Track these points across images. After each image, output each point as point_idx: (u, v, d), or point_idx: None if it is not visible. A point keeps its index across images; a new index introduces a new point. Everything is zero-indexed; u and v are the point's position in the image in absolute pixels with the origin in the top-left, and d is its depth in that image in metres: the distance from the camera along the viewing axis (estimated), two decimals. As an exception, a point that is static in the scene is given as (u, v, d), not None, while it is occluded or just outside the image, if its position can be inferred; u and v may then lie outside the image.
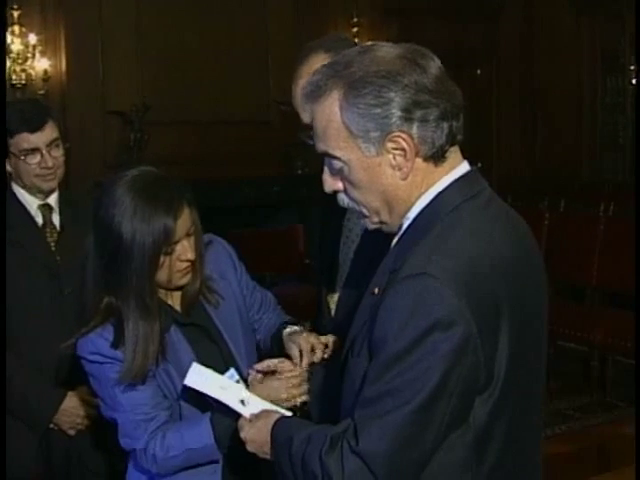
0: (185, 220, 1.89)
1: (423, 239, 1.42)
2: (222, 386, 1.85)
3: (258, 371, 1.96)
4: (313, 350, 1.99)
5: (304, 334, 2.07)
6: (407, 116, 1.40)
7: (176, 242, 1.88)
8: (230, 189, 7.07)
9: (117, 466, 2.48)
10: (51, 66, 6.79)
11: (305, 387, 1.92)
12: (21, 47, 6.60)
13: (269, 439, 1.60)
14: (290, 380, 1.92)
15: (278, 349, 2.11)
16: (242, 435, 1.70)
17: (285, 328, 2.13)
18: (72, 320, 2.49)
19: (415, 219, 1.48)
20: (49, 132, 2.55)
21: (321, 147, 1.49)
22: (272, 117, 7.68)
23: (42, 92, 6.64)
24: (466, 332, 1.33)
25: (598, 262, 5.74)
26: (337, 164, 1.48)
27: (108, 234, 1.86)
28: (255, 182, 7.45)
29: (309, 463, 1.44)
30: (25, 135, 2.51)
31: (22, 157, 2.53)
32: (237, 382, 1.91)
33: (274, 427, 1.61)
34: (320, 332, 2.13)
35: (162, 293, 1.98)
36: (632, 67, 8.12)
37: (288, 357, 2.01)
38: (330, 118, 1.45)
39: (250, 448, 1.68)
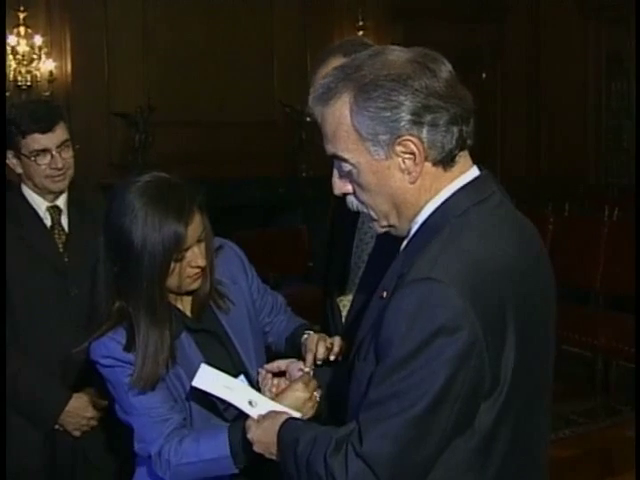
0: (196, 226, 1.88)
1: (431, 243, 1.42)
2: (230, 387, 1.84)
3: (268, 371, 1.96)
4: (317, 347, 2.00)
5: (316, 337, 2.08)
6: (417, 120, 1.40)
7: (187, 248, 1.87)
8: (234, 190, 7.08)
9: (123, 466, 2.49)
10: (56, 67, 6.81)
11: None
12: (27, 48, 6.62)
13: (276, 440, 1.60)
14: (310, 390, 1.90)
15: (293, 353, 2.12)
16: (249, 436, 1.70)
17: (303, 334, 2.13)
18: (79, 320, 2.51)
19: (423, 223, 1.48)
20: (60, 133, 2.55)
21: (330, 149, 1.49)
22: (277, 118, 7.70)
23: (47, 93, 6.66)
24: (471, 336, 1.33)
25: (602, 266, 5.74)
26: (346, 167, 1.48)
27: (119, 240, 1.85)
28: (259, 183, 7.46)
29: (314, 464, 1.44)
30: (36, 136, 2.52)
31: (32, 158, 2.53)
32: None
33: (281, 428, 1.61)
34: (329, 335, 2.14)
35: (172, 298, 1.97)
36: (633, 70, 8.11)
37: (298, 359, 2.01)
38: (340, 121, 1.45)
39: (257, 449, 1.68)
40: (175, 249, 1.84)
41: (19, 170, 2.59)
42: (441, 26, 8.21)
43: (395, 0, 8.29)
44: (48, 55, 6.75)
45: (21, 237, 2.56)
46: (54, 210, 2.64)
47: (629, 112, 8.24)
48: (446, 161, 1.45)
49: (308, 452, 1.47)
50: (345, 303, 2.38)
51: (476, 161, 1.53)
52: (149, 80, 7.22)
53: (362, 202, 1.52)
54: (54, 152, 2.54)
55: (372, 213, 1.52)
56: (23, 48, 6.61)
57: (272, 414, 1.71)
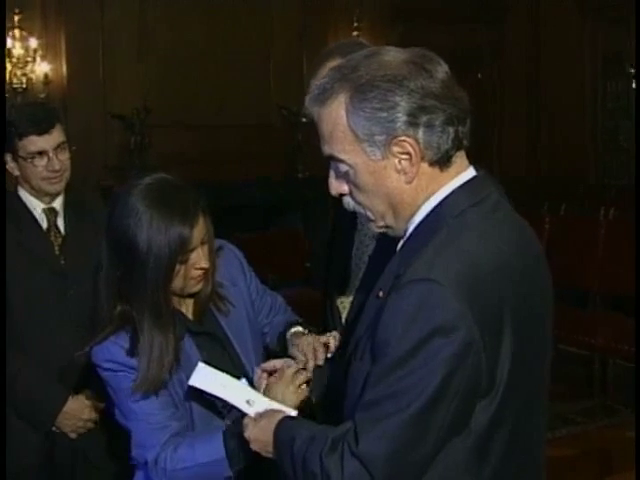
0: (200, 228, 1.87)
1: (428, 244, 1.42)
2: (227, 386, 1.84)
3: (263, 370, 1.96)
4: (316, 353, 1.99)
5: (305, 337, 2.07)
6: (413, 121, 1.40)
7: (191, 250, 1.86)
8: (232, 192, 7.07)
9: (122, 467, 2.49)
10: (52, 70, 6.81)
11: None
12: (22, 51, 6.62)
13: (272, 439, 1.60)
14: (297, 382, 1.90)
15: (281, 348, 2.12)
16: (246, 434, 1.70)
17: (290, 328, 2.12)
18: (77, 321, 2.52)
19: (420, 223, 1.48)
20: (57, 135, 2.56)
21: (327, 150, 1.49)
22: (274, 120, 7.70)
23: (43, 96, 6.66)
24: (468, 337, 1.33)
25: (600, 266, 5.74)
26: (343, 167, 1.48)
27: (123, 244, 1.84)
28: (257, 185, 7.46)
29: (309, 464, 1.44)
30: (33, 138, 2.52)
31: (29, 160, 2.54)
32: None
33: (277, 427, 1.61)
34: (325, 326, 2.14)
35: (174, 300, 1.96)
36: (632, 71, 8.12)
37: (292, 357, 2.01)
38: (336, 121, 1.45)
39: (254, 447, 1.68)
40: (181, 251, 1.83)
41: (16, 172, 2.59)
42: (439, 27, 8.20)
43: (393, 1, 8.29)
44: (43, 58, 6.75)
45: (18, 239, 2.56)
46: (50, 212, 2.64)
47: (628, 112, 8.24)
48: (442, 161, 1.45)
49: (304, 451, 1.47)
50: (345, 305, 2.39)
51: (475, 161, 1.53)
52: (146, 82, 7.22)
53: (359, 203, 1.52)
54: (51, 154, 2.54)
55: (369, 214, 1.52)
56: (18, 50, 6.61)
57: (269, 413, 1.71)
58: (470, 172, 1.50)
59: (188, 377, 1.90)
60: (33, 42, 6.65)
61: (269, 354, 2.13)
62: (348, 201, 1.56)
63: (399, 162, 1.43)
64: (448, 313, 1.33)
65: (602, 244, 5.79)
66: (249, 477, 1.93)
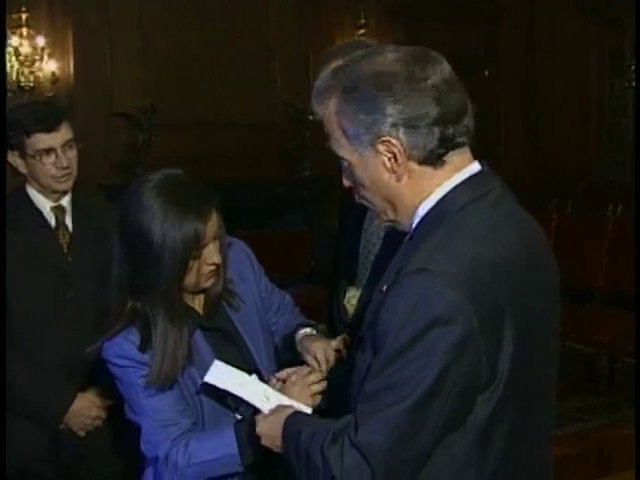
0: (213, 224, 1.88)
1: (428, 238, 1.44)
2: (243, 383, 1.85)
3: (278, 379, 1.97)
4: (328, 359, 2.01)
5: (317, 342, 2.08)
6: (395, 122, 1.43)
7: (204, 246, 1.88)
8: (235, 190, 7.07)
9: (128, 466, 2.50)
10: (59, 68, 6.81)
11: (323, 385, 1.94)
12: (29, 49, 6.62)
13: (281, 433, 1.62)
14: (311, 385, 1.92)
15: (291, 350, 2.14)
16: (257, 430, 1.72)
17: (299, 330, 2.14)
18: (76, 322, 2.52)
19: (423, 219, 1.50)
20: (64, 132, 2.56)
21: (331, 147, 1.54)
22: (277, 118, 7.69)
23: (50, 94, 6.66)
24: (466, 329, 1.34)
25: (605, 263, 5.73)
26: (344, 164, 1.53)
27: (136, 239, 1.84)
28: (260, 183, 7.45)
29: (312, 456, 1.46)
30: (41, 135, 2.53)
31: (38, 157, 2.54)
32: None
33: (286, 421, 1.63)
34: (335, 332, 2.15)
35: (185, 296, 1.97)
36: (632, 68, 8.10)
37: (304, 363, 2.03)
38: (331, 121, 1.50)
39: (264, 442, 1.70)
40: (195, 246, 1.85)
41: (24, 170, 2.60)
42: (443, 25, 8.20)
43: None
44: (50, 56, 6.75)
45: (24, 239, 2.56)
46: (58, 210, 2.64)
47: (630, 110, 8.22)
48: (431, 160, 1.47)
49: (308, 444, 1.49)
50: (353, 302, 2.39)
51: (477, 159, 1.54)
52: (151, 81, 7.22)
53: (362, 197, 1.55)
54: (59, 151, 2.55)
55: (373, 207, 1.56)
56: (26, 49, 6.61)
57: (279, 408, 1.73)
58: (473, 168, 1.52)
59: (199, 373, 1.91)
60: (40, 40, 6.65)
61: (278, 358, 2.14)
62: (356, 194, 1.60)
63: (388, 160, 1.46)
64: (446, 304, 1.34)
65: (609, 241, 5.78)
66: (259, 473, 1.94)
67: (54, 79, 6.75)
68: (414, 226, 1.51)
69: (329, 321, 2.53)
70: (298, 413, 1.68)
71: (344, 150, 1.50)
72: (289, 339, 2.16)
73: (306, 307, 2.39)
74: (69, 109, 6.38)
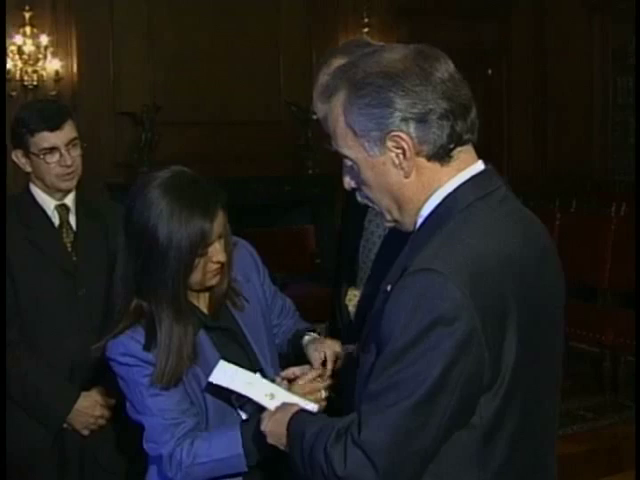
0: (219, 222, 1.88)
1: (434, 236, 1.43)
2: (248, 382, 1.85)
3: (283, 378, 1.96)
4: (337, 359, 2.01)
5: (328, 342, 2.08)
6: (405, 116, 1.43)
7: (210, 244, 1.87)
8: (241, 189, 7.08)
9: (132, 465, 2.50)
10: (62, 67, 6.81)
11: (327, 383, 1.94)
12: (33, 48, 6.62)
13: (285, 431, 1.62)
14: (316, 385, 1.92)
15: (295, 354, 2.13)
16: (262, 427, 1.72)
17: (304, 335, 2.14)
18: (87, 320, 2.53)
19: (428, 217, 1.49)
20: (68, 131, 2.56)
21: (334, 146, 1.53)
22: (283, 117, 7.69)
23: (54, 93, 6.66)
24: (469, 327, 1.34)
25: (610, 262, 5.73)
26: (348, 162, 1.52)
27: (142, 237, 1.84)
28: (266, 182, 7.46)
29: (316, 455, 1.46)
30: (45, 134, 2.53)
31: (42, 156, 2.54)
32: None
33: (291, 419, 1.62)
34: (337, 333, 2.15)
35: (190, 295, 1.96)
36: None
37: (310, 364, 2.03)
38: (337, 118, 1.49)
39: (270, 440, 1.70)
40: (201, 244, 1.84)
41: (28, 169, 2.60)
42: (447, 23, 8.20)
43: (401, -3, 8.29)
44: (54, 54, 6.75)
45: (29, 238, 2.57)
46: (62, 209, 2.64)
47: (635, 108, 8.21)
48: (440, 156, 1.46)
49: (312, 443, 1.48)
50: (354, 303, 2.39)
51: (482, 158, 1.54)
52: (155, 79, 7.22)
53: (366, 197, 1.55)
54: (63, 150, 2.55)
55: (377, 207, 1.55)
56: (29, 48, 6.61)
57: (284, 406, 1.72)
58: (478, 166, 1.51)
59: (203, 372, 1.90)
60: (44, 39, 6.65)
61: (281, 359, 2.14)
62: (358, 196, 1.59)
63: (396, 157, 1.45)
64: (449, 303, 1.34)
65: (613, 240, 5.78)
66: (263, 473, 1.94)
67: (58, 78, 6.75)
68: (418, 225, 1.51)
69: (331, 321, 2.52)
70: (303, 411, 1.68)
71: (350, 148, 1.49)
72: (293, 343, 2.16)
73: (311, 304, 2.40)
74: (73, 107, 6.39)
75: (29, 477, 2.59)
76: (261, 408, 1.80)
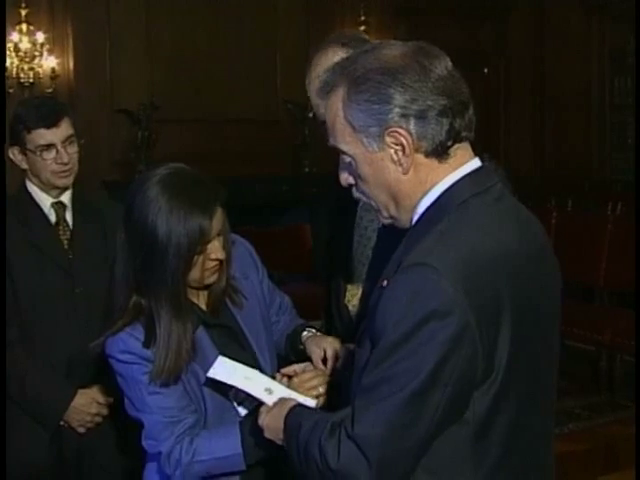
0: (218, 220, 1.88)
1: (429, 232, 1.44)
2: (247, 377, 1.85)
3: (283, 375, 1.97)
4: (337, 356, 2.01)
5: (329, 338, 2.09)
6: (404, 112, 1.43)
7: (208, 241, 1.87)
8: (238, 188, 7.06)
9: (129, 464, 2.49)
10: (59, 64, 6.81)
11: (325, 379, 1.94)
12: (29, 45, 6.62)
13: (282, 426, 1.62)
14: (310, 382, 1.91)
15: (293, 351, 2.14)
16: (260, 422, 1.73)
17: (303, 331, 2.14)
18: (85, 318, 2.52)
19: (424, 213, 1.49)
20: (65, 128, 2.56)
21: (332, 141, 1.53)
22: (280, 116, 7.69)
23: (50, 90, 6.66)
24: (462, 322, 1.34)
25: (606, 262, 5.74)
26: (346, 158, 1.52)
27: (142, 234, 1.84)
28: (263, 181, 7.46)
29: (310, 449, 1.47)
30: (41, 131, 2.52)
31: (38, 153, 2.54)
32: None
33: (288, 414, 1.63)
34: (333, 332, 2.14)
35: (190, 293, 1.97)
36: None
37: (310, 361, 2.03)
38: (336, 114, 1.49)
39: (267, 435, 1.70)
40: (200, 242, 1.84)
41: (24, 166, 2.59)
42: (445, 22, 8.20)
43: (399, -4, 8.29)
44: (50, 52, 6.75)
45: (26, 236, 2.56)
46: (59, 206, 2.64)
47: (633, 108, 8.22)
48: (439, 153, 1.46)
49: (307, 436, 1.49)
50: (355, 302, 2.37)
51: (480, 157, 1.54)
52: (153, 77, 7.22)
53: (363, 193, 1.55)
54: (59, 147, 2.54)
55: (373, 204, 1.55)
56: (25, 45, 6.61)
57: (281, 401, 1.73)
58: (474, 163, 1.51)
59: (202, 369, 1.91)
60: (40, 36, 6.65)
61: (279, 359, 2.14)
62: (355, 192, 1.59)
63: (395, 153, 1.46)
64: (443, 297, 1.34)
65: (609, 239, 5.78)
66: (261, 471, 1.94)
67: (54, 75, 6.75)
68: (414, 221, 1.51)
69: (327, 322, 2.50)
70: (300, 406, 1.69)
71: (348, 143, 1.49)
72: (292, 338, 2.16)
73: (308, 302, 2.39)
74: (70, 105, 6.38)
75: (27, 475, 2.58)
76: (260, 404, 1.80)
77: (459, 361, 1.35)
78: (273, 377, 1.94)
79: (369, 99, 1.44)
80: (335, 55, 2.08)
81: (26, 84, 6.61)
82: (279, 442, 1.65)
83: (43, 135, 2.53)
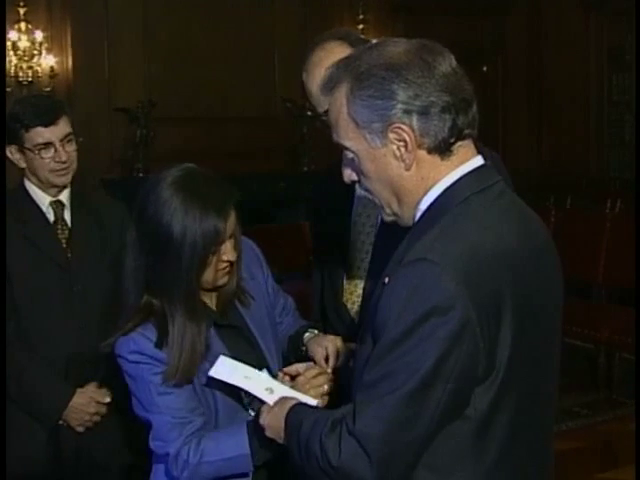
0: (232, 221, 1.88)
1: (430, 229, 1.44)
2: (248, 376, 1.85)
3: (285, 374, 1.97)
4: (339, 354, 2.01)
5: (330, 337, 2.09)
6: (407, 108, 1.43)
7: (221, 242, 1.87)
8: (236, 185, 7.07)
9: (128, 463, 2.49)
10: (57, 63, 6.81)
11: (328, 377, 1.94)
12: (27, 44, 6.62)
13: (283, 424, 1.62)
14: (314, 381, 1.91)
15: (294, 352, 2.14)
16: (261, 421, 1.73)
17: (305, 332, 2.15)
18: (83, 317, 2.52)
19: (426, 210, 1.50)
20: (63, 126, 2.55)
21: (335, 138, 1.53)
22: (278, 114, 7.69)
23: (49, 89, 6.66)
24: (463, 318, 1.34)
25: (604, 259, 5.74)
26: (349, 154, 1.52)
27: (155, 234, 1.84)
28: (261, 178, 7.45)
29: (311, 446, 1.47)
30: (39, 129, 2.52)
31: (36, 151, 2.53)
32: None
33: (288, 412, 1.63)
34: (333, 333, 2.15)
35: (201, 294, 1.96)
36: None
37: (312, 361, 2.03)
38: (339, 110, 1.49)
39: (269, 434, 1.70)
40: (214, 242, 1.84)
41: (22, 164, 2.59)
42: (443, 20, 8.20)
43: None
44: (49, 50, 6.75)
45: (24, 235, 2.56)
46: (57, 205, 2.63)
47: (631, 106, 8.22)
48: (441, 149, 1.47)
49: (308, 434, 1.49)
50: (354, 300, 2.36)
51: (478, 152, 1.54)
52: (150, 75, 7.22)
53: (366, 189, 1.55)
54: (57, 145, 2.54)
55: (377, 201, 1.55)
56: (24, 44, 6.61)
57: (282, 400, 1.73)
58: (477, 161, 1.52)
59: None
60: (39, 35, 6.65)
61: (282, 359, 2.15)
62: (358, 188, 1.59)
63: (398, 149, 1.46)
64: (444, 293, 1.34)
65: (608, 237, 5.78)
66: (269, 472, 1.94)
67: (52, 74, 6.75)
68: (417, 218, 1.51)
69: (323, 323, 2.47)
70: (301, 404, 1.69)
71: (351, 139, 1.49)
72: (294, 339, 2.16)
73: (306, 300, 2.38)
74: (68, 104, 6.37)
75: (25, 474, 2.58)
76: (261, 402, 1.80)
77: (460, 357, 1.35)
78: (275, 376, 1.94)
79: (372, 95, 1.44)
80: (334, 49, 2.08)
81: (25, 83, 6.61)
82: (280, 441, 1.65)
83: (41, 133, 2.52)
